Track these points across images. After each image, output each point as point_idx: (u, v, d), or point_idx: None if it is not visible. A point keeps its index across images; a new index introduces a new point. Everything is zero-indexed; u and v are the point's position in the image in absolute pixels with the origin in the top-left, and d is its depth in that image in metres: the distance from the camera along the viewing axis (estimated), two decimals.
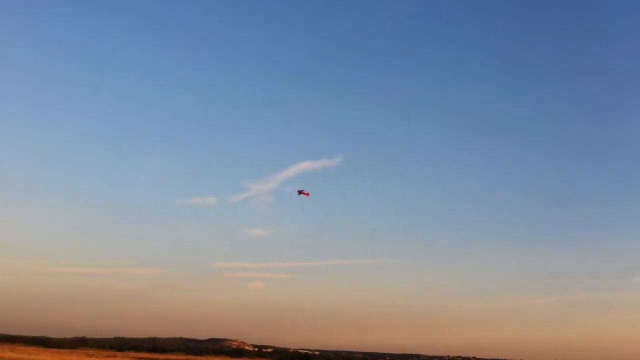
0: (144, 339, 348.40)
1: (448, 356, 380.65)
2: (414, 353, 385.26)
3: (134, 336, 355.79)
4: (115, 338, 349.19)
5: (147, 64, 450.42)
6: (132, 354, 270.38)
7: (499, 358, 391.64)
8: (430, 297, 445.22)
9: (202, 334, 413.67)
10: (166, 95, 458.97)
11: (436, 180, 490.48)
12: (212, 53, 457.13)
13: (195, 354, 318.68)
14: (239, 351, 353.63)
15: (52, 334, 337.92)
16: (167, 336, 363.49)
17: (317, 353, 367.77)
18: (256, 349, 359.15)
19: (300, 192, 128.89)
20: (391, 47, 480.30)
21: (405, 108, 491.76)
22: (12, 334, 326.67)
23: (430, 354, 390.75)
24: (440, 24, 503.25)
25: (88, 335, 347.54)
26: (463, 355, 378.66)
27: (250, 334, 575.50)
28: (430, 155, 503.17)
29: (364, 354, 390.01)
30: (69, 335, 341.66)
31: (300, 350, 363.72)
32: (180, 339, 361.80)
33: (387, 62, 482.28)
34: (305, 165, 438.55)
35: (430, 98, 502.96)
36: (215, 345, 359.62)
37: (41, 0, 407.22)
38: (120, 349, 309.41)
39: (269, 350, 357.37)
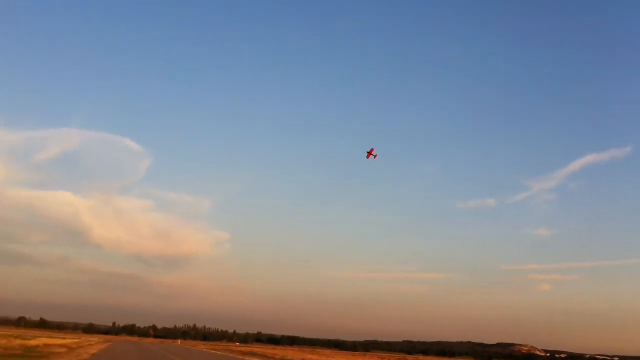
0: (433, 343, 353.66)
1: None
2: None
3: (422, 340, 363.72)
4: (404, 341, 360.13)
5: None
6: (422, 357, 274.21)
7: None
8: None
9: (491, 339, 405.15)
10: (442, 98, 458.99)
11: None
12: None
13: (485, 358, 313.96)
14: (530, 356, 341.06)
15: (346, 337, 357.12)
16: (455, 340, 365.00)
17: None
18: (548, 355, 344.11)
19: (369, 154, 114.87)
20: None
21: None
22: (312, 337, 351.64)
23: None
24: None
25: (379, 339, 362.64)
26: None
27: (541, 339, 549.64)
28: None
29: None
30: (360, 338, 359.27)
31: (597, 356, 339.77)
32: (469, 343, 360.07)
33: None
34: (591, 158, 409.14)
35: None
36: (504, 350, 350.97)
37: None
38: (409, 353, 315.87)
39: (563, 355, 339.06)
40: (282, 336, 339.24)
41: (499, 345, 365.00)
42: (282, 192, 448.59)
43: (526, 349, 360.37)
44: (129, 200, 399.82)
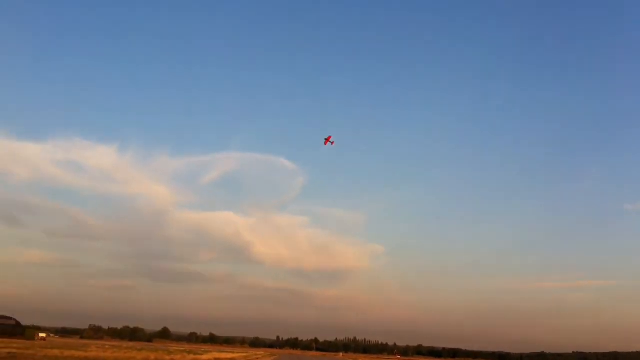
0: (605, 354, 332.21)
1: None
2: None
3: (594, 350, 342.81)
4: (574, 353, 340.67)
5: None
6: None
7: None
8: None
9: None
10: (606, 92, 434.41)
11: None
12: None
13: None
14: None
15: (511, 349, 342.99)
16: (629, 350, 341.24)
17: None
18: None
19: (326, 141, 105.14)
20: None
21: None
22: (475, 349, 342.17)
23: None
24: None
25: (546, 351, 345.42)
26: None
27: None
28: None
29: None
30: (526, 350, 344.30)
31: None
32: None
33: None
34: None
35: None
36: None
37: None
38: None
39: None
40: (444, 348, 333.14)
41: None
42: (435, 203, 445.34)
43: None
44: (286, 217, 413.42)
